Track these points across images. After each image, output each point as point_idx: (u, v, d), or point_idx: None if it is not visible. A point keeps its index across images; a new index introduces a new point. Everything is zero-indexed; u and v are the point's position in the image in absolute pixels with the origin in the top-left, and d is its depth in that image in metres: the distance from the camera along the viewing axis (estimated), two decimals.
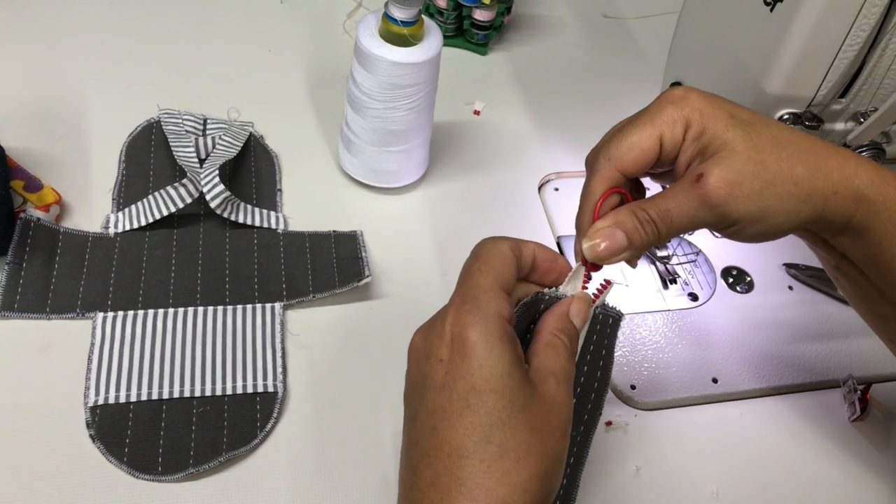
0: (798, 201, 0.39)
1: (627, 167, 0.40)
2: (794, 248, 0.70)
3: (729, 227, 0.40)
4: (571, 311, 0.39)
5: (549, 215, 0.68)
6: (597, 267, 0.41)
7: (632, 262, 0.42)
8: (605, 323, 0.42)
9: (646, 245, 0.40)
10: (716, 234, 0.41)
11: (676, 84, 0.55)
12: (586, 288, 0.41)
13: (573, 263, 0.42)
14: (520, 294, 0.40)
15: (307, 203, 0.65)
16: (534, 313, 0.40)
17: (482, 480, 0.33)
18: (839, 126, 0.48)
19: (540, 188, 0.71)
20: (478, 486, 0.33)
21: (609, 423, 0.55)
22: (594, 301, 0.41)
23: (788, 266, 0.68)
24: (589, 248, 0.40)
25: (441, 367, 0.35)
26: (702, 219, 0.39)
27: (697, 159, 0.40)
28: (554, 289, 0.40)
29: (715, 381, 0.59)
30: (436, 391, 0.35)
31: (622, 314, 0.43)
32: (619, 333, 0.43)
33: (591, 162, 0.42)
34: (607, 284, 0.42)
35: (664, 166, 0.42)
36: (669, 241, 0.41)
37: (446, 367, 0.35)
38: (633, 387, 0.57)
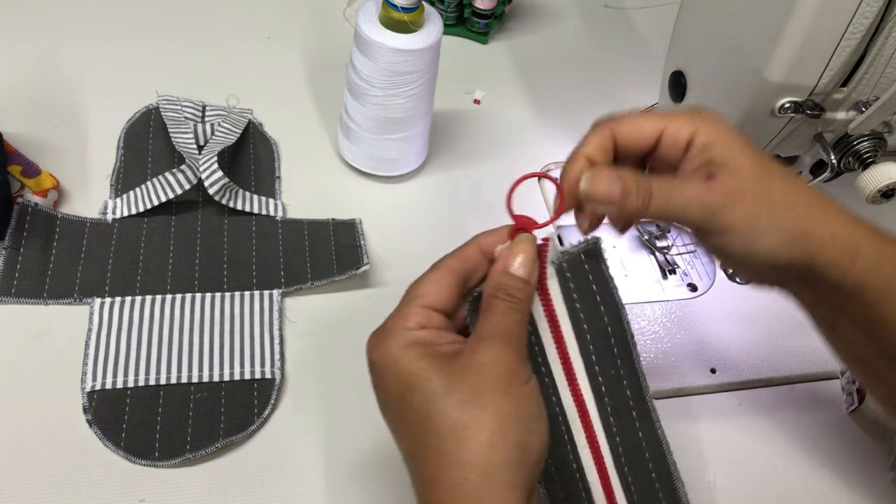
0: (793, 236, 0.38)
1: (621, 134, 0.40)
2: None
3: (718, 232, 0.39)
4: (510, 261, 0.38)
5: (548, 205, 0.68)
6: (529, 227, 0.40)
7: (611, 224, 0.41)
8: (578, 263, 0.40)
9: (632, 211, 0.39)
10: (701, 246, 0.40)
11: (677, 74, 0.55)
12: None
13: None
14: (453, 264, 0.40)
15: (306, 190, 0.65)
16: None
17: (434, 471, 0.34)
18: (840, 115, 0.47)
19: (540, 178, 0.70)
20: (433, 478, 0.34)
21: None
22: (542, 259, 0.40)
23: None
24: (587, 179, 0.39)
25: (377, 391, 0.38)
26: (693, 213, 0.39)
27: (704, 170, 0.39)
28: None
29: (713, 371, 0.59)
30: (383, 411, 0.38)
31: (596, 239, 0.40)
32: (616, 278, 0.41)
33: (597, 121, 0.42)
34: (546, 242, 0.40)
35: (663, 163, 0.42)
36: (651, 221, 0.41)
37: (378, 390, 0.38)
38: None
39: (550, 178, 0.40)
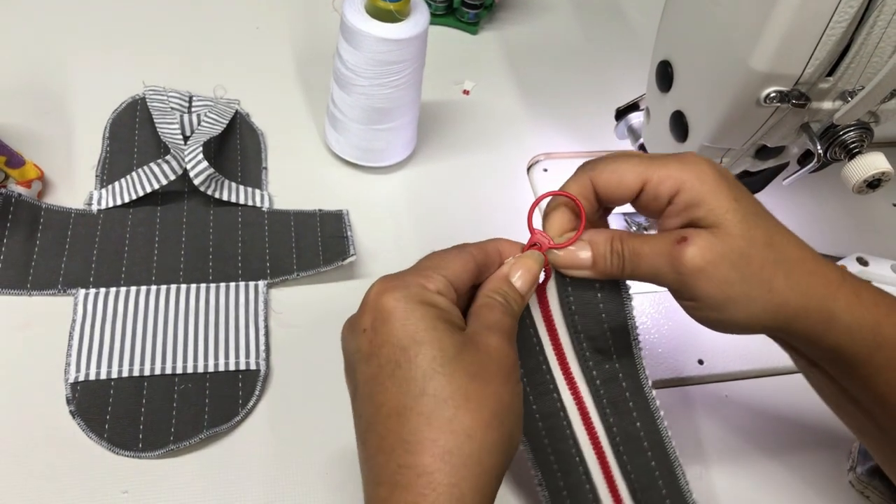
0: (764, 309, 0.38)
1: (600, 185, 0.40)
2: None
3: (688, 300, 0.39)
4: (511, 273, 0.39)
5: (537, 196, 0.68)
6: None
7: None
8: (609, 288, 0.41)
9: (607, 274, 0.40)
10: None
11: (664, 63, 0.55)
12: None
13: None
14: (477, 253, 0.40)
15: (293, 181, 0.64)
16: None
17: (424, 433, 0.33)
18: (826, 105, 0.47)
19: (529, 169, 0.70)
20: (420, 441, 0.32)
21: None
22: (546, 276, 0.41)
23: None
24: (555, 252, 0.40)
25: (365, 337, 0.35)
26: (665, 278, 0.38)
27: (682, 231, 0.39)
28: None
29: (701, 362, 0.59)
30: (365, 362, 0.35)
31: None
32: None
33: (579, 167, 0.42)
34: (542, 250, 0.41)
35: (645, 212, 0.41)
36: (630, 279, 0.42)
37: (370, 336, 0.35)
38: None
39: (572, 197, 0.40)
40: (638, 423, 0.42)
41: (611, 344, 0.42)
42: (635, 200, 0.40)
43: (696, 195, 0.38)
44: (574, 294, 0.41)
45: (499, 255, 0.40)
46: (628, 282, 0.42)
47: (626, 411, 0.42)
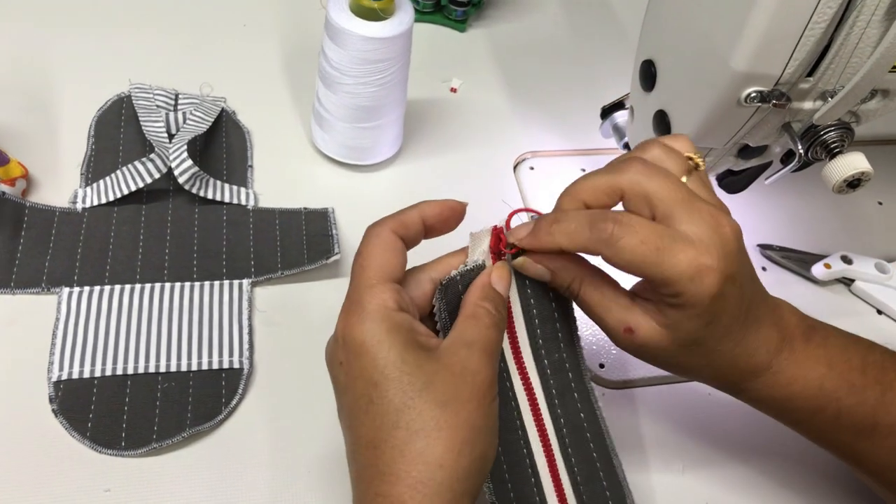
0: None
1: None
2: (769, 230, 0.70)
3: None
4: (493, 278, 0.40)
5: (523, 194, 0.68)
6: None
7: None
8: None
9: (564, 290, 0.42)
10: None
11: (648, 62, 0.55)
12: (496, 252, 0.41)
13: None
14: (435, 275, 0.41)
15: (279, 179, 0.64)
16: (454, 294, 0.40)
17: (398, 465, 0.34)
18: (807, 105, 0.47)
19: (515, 167, 0.70)
20: (393, 472, 0.34)
21: None
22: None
23: (763, 247, 0.67)
24: (521, 262, 0.41)
25: (342, 370, 0.37)
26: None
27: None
28: (463, 265, 0.41)
29: None
30: (342, 392, 0.37)
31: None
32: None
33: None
34: (505, 226, 0.42)
35: None
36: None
37: (346, 369, 0.37)
38: (601, 365, 0.57)
39: (536, 212, 0.42)
40: (582, 414, 0.43)
41: (558, 328, 0.43)
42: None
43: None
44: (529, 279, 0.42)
45: (421, 220, 0.41)
46: None
47: (570, 400, 0.43)
